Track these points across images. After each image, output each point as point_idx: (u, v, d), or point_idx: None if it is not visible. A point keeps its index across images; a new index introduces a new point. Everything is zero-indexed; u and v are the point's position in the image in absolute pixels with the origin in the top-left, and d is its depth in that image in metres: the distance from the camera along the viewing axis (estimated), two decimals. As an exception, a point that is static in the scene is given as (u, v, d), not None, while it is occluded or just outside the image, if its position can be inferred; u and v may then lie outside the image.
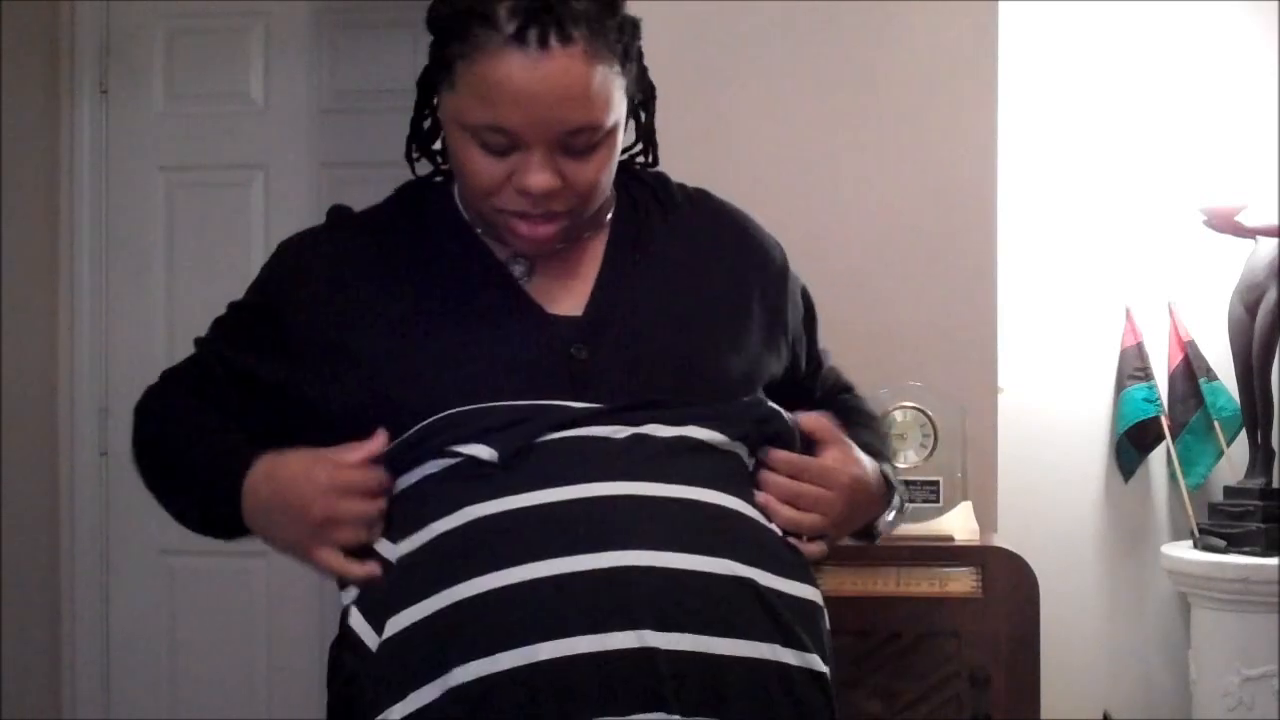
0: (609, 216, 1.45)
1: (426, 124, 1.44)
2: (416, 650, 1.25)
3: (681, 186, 1.53)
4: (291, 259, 1.46)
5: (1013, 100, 2.84)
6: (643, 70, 1.43)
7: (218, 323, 1.53)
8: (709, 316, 1.43)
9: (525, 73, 1.25)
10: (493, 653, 1.21)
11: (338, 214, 1.49)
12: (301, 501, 1.31)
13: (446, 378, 1.33)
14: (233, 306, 1.53)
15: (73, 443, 3.57)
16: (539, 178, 1.30)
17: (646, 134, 1.50)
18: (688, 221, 1.48)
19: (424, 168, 1.49)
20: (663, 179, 1.52)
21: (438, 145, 1.47)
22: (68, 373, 3.57)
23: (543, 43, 1.25)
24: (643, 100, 1.45)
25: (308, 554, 1.34)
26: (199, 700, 3.54)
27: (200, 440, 1.43)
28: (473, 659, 1.21)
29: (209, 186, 3.58)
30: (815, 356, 1.63)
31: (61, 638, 3.56)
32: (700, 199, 1.53)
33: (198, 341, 1.55)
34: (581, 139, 1.30)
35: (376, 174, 1.51)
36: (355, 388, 1.36)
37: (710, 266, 1.46)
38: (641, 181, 1.50)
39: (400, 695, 1.24)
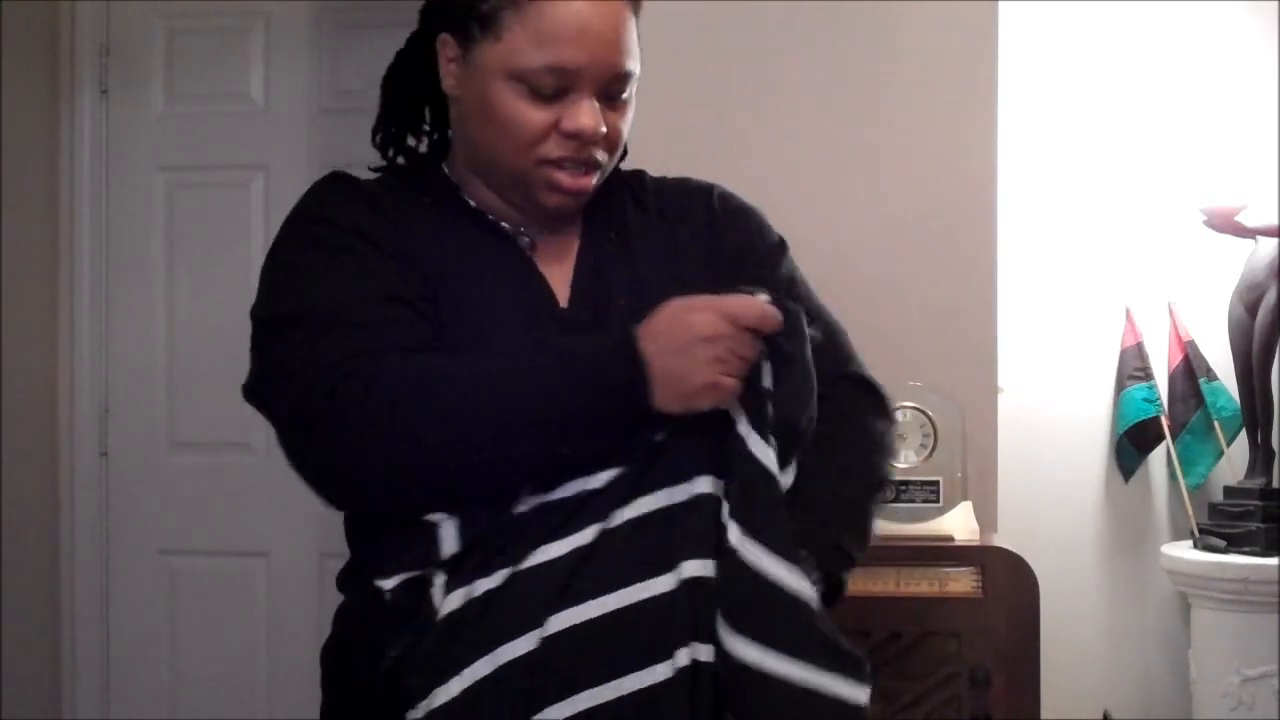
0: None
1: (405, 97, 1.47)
2: (470, 626, 1.24)
3: (658, 180, 1.55)
4: (342, 196, 1.42)
5: (1013, 100, 2.84)
6: None
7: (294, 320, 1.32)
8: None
9: (586, 11, 1.32)
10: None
11: (346, 177, 1.46)
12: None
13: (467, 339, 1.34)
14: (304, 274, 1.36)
15: (73, 443, 3.57)
16: (591, 119, 1.34)
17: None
18: (661, 206, 1.50)
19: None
20: (638, 174, 1.54)
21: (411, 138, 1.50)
22: (68, 373, 3.57)
23: None
24: None
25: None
26: (199, 700, 3.54)
27: (519, 365, 1.27)
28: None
29: (209, 186, 3.58)
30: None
31: (61, 638, 3.56)
32: (674, 184, 1.54)
33: (280, 362, 1.32)
34: (619, 86, 1.36)
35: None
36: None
37: (683, 246, 1.47)
38: (618, 176, 1.51)
39: (450, 675, 1.23)
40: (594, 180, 1.39)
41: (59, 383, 3.56)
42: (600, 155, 1.38)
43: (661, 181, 1.55)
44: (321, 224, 1.38)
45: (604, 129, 1.35)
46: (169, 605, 3.57)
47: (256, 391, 1.33)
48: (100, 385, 3.58)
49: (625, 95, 1.38)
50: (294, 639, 3.43)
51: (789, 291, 1.44)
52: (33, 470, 3.45)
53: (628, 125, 1.40)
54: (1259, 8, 3.12)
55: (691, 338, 1.22)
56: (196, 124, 3.57)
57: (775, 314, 1.26)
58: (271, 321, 1.34)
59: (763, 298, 1.27)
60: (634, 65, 1.37)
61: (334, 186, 1.44)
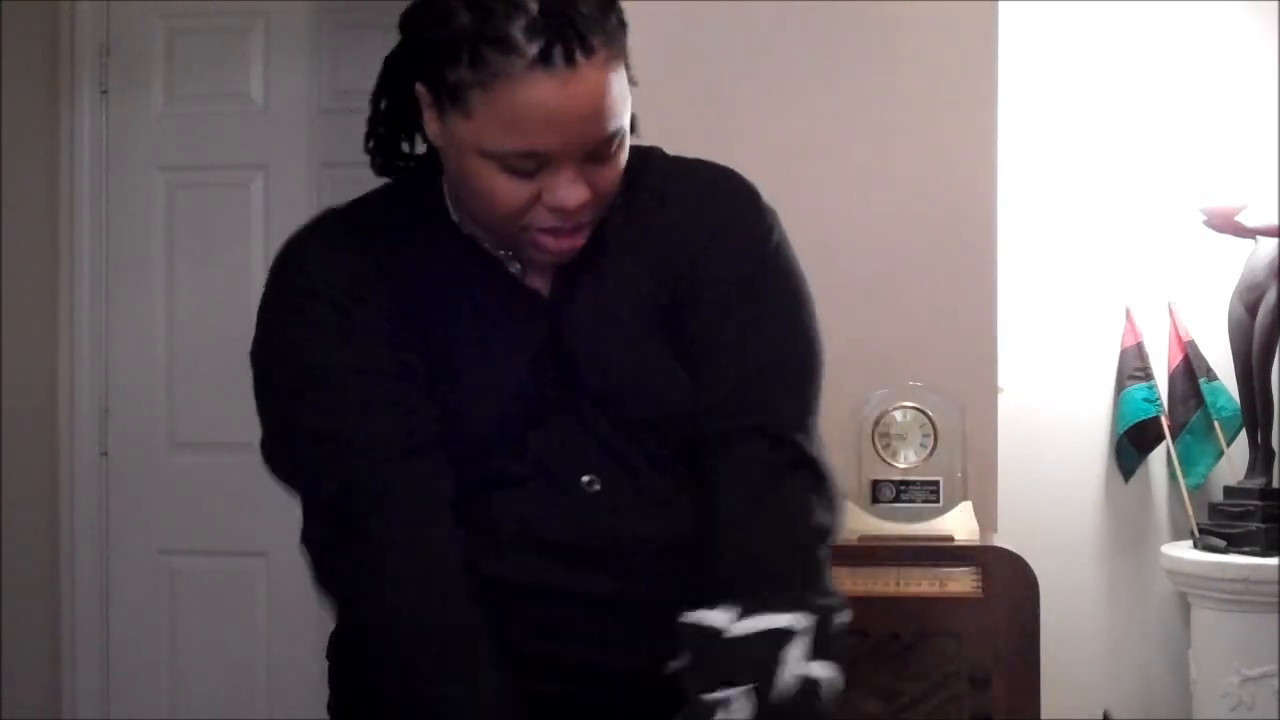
0: None
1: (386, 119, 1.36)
2: None
3: (668, 166, 1.43)
4: (335, 252, 1.35)
5: (1013, 100, 2.84)
6: None
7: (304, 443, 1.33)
8: (649, 339, 1.36)
9: (557, 95, 1.19)
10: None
11: (336, 223, 1.40)
12: None
13: (479, 376, 1.32)
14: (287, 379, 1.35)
15: (73, 443, 3.57)
16: (574, 193, 1.25)
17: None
18: (659, 218, 1.39)
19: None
20: (646, 160, 1.41)
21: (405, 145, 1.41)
22: (68, 373, 3.57)
23: (569, 60, 1.18)
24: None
25: None
26: (199, 700, 3.54)
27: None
28: None
29: (209, 186, 3.58)
30: (714, 343, 1.36)
31: (61, 638, 3.56)
32: (678, 178, 1.42)
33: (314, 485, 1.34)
34: (605, 148, 1.26)
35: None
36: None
37: (656, 272, 1.37)
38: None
39: None
40: (583, 237, 1.31)
41: (59, 383, 3.56)
42: (589, 215, 1.29)
43: (670, 170, 1.43)
44: (315, 293, 1.32)
45: (589, 196, 1.26)
46: (169, 605, 3.57)
47: (272, 463, 1.36)
48: (100, 385, 3.58)
49: (614, 149, 1.27)
50: (294, 639, 3.43)
51: (718, 310, 1.35)
52: (33, 470, 3.45)
53: (619, 172, 1.29)
54: (1259, 8, 3.12)
55: None
56: (196, 124, 3.57)
57: None
58: (272, 382, 1.34)
59: None
60: (619, 124, 1.25)
61: (326, 240, 1.37)
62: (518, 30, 1.18)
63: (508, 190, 1.25)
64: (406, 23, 1.27)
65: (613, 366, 1.35)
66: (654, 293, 1.36)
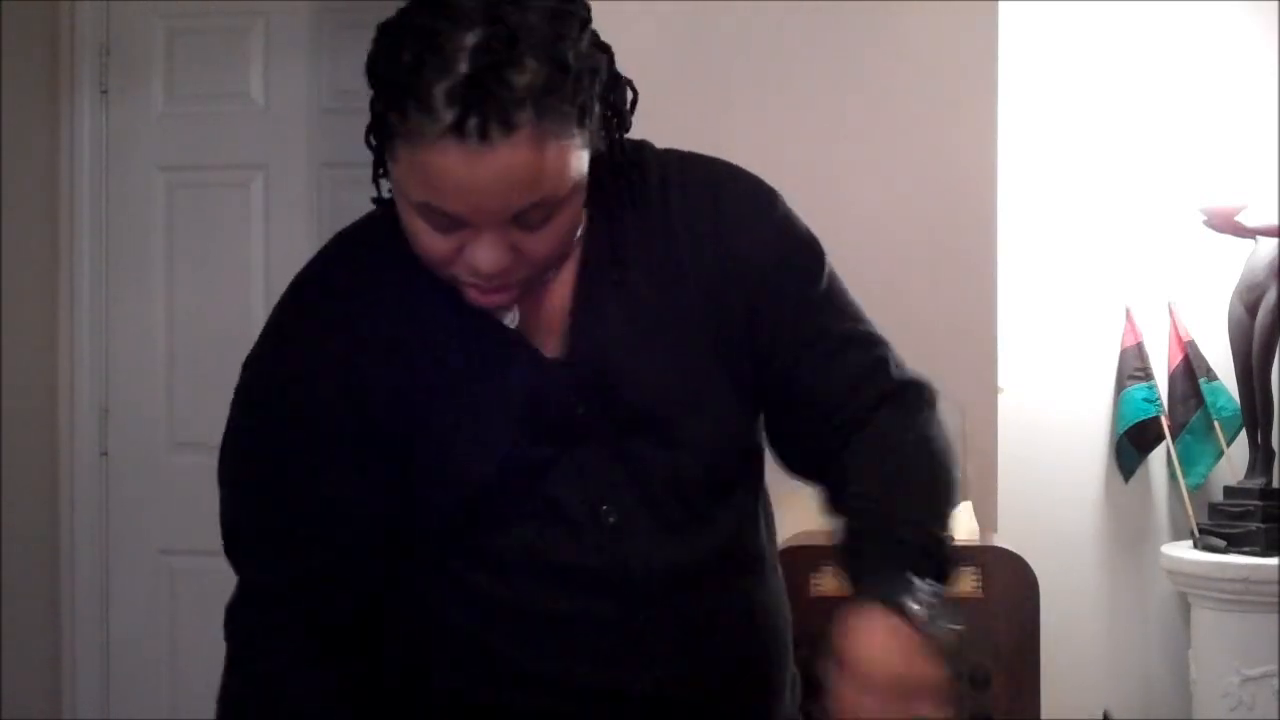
0: (580, 232, 1.29)
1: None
2: None
3: (664, 163, 1.38)
4: (319, 339, 1.33)
5: (1013, 100, 2.84)
6: (612, 84, 1.24)
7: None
8: (690, 351, 1.33)
9: (466, 167, 1.13)
10: None
11: (324, 293, 1.35)
12: None
13: (464, 436, 1.30)
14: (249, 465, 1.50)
15: (73, 443, 3.57)
16: (489, 258, 1.19)
17: (617, 140, 1.29)
18: (664, 217, 1.35)
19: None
20: (639, 158, 1.35)
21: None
22: (68, 373, 3.57)
23: (483, 135, 1.11)
24: (616, 116, 1.26)
25: None
26: (199, 700, 3.52)
27: None
28: None
29: (209, 186, 3.58)
30: (802, 336, 1.40)
31: (61, 638, 3.55)
32: (679, 178, 1.38)
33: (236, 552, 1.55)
34: (536, 214, 1.18)
35: (376, 174, 1.49)
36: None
37: (687, 278, 1.33)
38: (614, 172, 1.30)
39: None
40: (513, 294, 1.24)
41: (59, 383, 3.56)
42: (516, 277, 1.22)
43: (666, 168, 1.37)
44: (288, 411, 1.40)
45: (508, 262, 1.19)
46: (169, 605, 3.57)
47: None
48: (100, 385, 3.58)
49: (547, 218, 1.19)
50: (294, 639, 3.43)
51: (797, 313, 1.39)
52: (33, 470, 3.45)
53: (557, 238, 1.22)
54: (1259, 8, 3.12)
55: None
56: (196, 124, 3.57)
57: None
58: (224, 453, 1.49)
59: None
60: (548, 194, 1.17)
61: (310, 322, 1.34)
62: (440, 91, 1.11)
63: (430, 239, 1.20)
64: (376, 37, 1.19)
65: (656, 384, 1.31)
66: (697, 311, 1.32)
